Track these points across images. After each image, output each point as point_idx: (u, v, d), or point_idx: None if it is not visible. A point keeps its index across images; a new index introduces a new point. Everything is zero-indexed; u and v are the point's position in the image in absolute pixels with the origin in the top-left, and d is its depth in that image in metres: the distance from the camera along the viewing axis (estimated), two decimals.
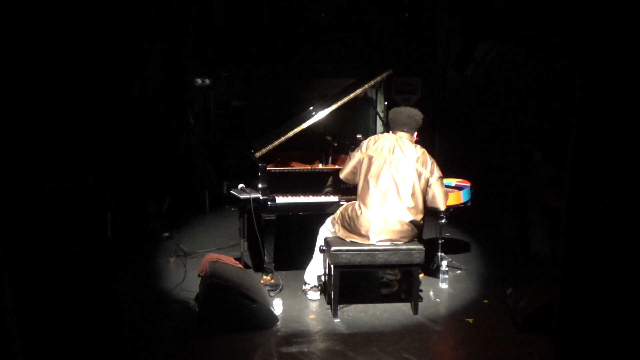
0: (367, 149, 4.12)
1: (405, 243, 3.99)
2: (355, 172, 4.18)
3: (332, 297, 3.98)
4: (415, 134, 4.22)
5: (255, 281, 4.21)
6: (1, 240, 3.29)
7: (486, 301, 4.35)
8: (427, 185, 4.04)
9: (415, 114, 4.17)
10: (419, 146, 4.14)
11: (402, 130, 4.15)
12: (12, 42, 4.79)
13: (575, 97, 1.97)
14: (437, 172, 4.07)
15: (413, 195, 3.98)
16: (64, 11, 5.58)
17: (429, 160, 4.07)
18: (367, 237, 3.96)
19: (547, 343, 3.48)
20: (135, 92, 7.42)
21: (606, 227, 1.88)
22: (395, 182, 3.96)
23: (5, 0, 4.68)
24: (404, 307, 4.18)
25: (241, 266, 4.45)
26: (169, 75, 8.30)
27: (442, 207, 4.15)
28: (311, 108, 4.96)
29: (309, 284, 4.37)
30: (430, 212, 4.28)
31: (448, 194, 4.45)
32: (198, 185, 7.56)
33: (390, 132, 4.23)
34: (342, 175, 4.31)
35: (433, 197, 4.09)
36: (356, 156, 4.17)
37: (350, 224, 4.01)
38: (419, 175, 3.99)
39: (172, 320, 3.95)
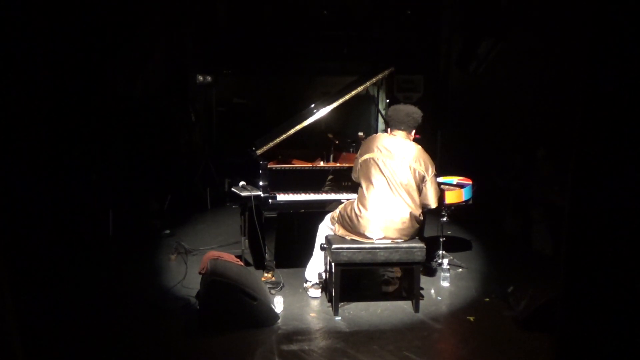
0: (360, 155, 4.13)
1: (406, 241, 3.99)
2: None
3: (333, 294, 3.98)
4: (413, 132, 4.20)
5: (256, 279, 4.20)
6: (2, 238, 3.29)
7: (487, 299, 4.34)
8: (422, 182, 4.03)
9: (414, 111, 4.15)
10: (414, 143, 4.13)
11: (400, 129, 4.14)
12: (15, 42, 4.79)
13: (578, 95, 1.96)
14: (431, 170, 4.06)
15: (409, 192, 3.97)
16: (67, 9, 5.57)
17: (425, 157, 4.06)
18: (367, 236, 3.95)
19: (549, 342, 3.47)
20: (137, 90, 7.42)
21: (609, 225, 1.87)
22: (391, 181, 3.96)
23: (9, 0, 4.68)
24: (405, 305, 4.17)
25: (242, 264, 4.45)
26: (170, 73, 8.30)
27: (433, 205, 4.14)
28: (313, 106, 4.95)
29: (309, 282, 4.36)
30: (426, 209, 4.27)
31: (443, 191, 4.44)
32: (199, 182, 7.57)
33: (388, 130, 4.22)
34: (352, 177, 4.30)
35: (425, 194, 4.08)
36: (356, 163, 4.18)
37: (350, 224, 4.01)
38: (414, 172, 3.98)
39: (173, 317, 3.94)
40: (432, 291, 4.50)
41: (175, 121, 8.01)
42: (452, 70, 8.27)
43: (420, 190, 4.05)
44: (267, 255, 4.55)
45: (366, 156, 4.08)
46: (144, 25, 7.28)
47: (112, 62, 6.65)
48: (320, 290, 4.33)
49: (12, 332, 1.98)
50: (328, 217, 4.32)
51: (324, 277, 4.32)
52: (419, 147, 4.11)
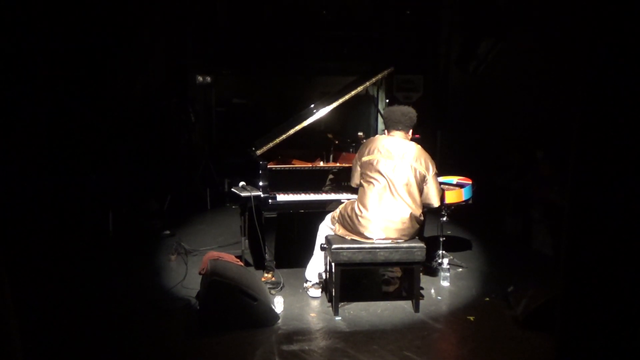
0: (361, 157, 4.14)
1: (406, 241, 3.99)
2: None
3: (333, 294, 3.98)
4: (410, 131, 4.21)
5: (256, 279, 4.20)
6: (2, 238, 3.29)
7: (487, 299, 4.34)
8: (423, 181, 4.04)
9: (409, 111, 4.17)
10: (413, 143, 4.14)
11: (397, 129, 4.15)
12: (15, 41, 4.79)
13: (578, 95, 1.96)
14: (432, 169, 4.07)
15: (410, 192, 3.98)
16: (67, 10, 5.58)
17: (424, 156, 4.07)
18: (367, 236, 3.96)
19: (549, 341, 3.47)
20: (137, 90, 7.42)
21: (609, 225, 1.88)
22: (391, 181, 3.96)
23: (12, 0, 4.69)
24: (405, 305, 4.17)
25: (242, 264, 4.45)
26: (170, 73, 8.31)
27: (436, 204, 4.14)
28: (312, 106, 4.95)
29: (310, 282, 4.36)
30: (428, 209, 4.27)
31: (443, 190, 4.44)
32: (199, 183, 7.57)
33: (385, 131, 4.23)
34: (352, 185, 4.30)
35: (427, 193, 4.08)
36: (355, 166, 4.18)
37: (351, 224, 4.01)
38: (415, 171, 3.99)
39: (173, 318, 3.94)
40: (432, 291, 4.50)
41: (175, 121, 8.01)
42: (452, 70, 8.27)
43: (421, 190, 4.05)
44: (267, 256, 4.55)
45: (366, 158, 4.08)
46: (144, 25, 7.29)
47: (112, 62, 6.66)
48: (320, 290, 4.33)
49: (12, 332, 1.98)
50: (328, 217, 4.32)
51: (324, 277, 4.32)
52: (419, 146, 4.12)
